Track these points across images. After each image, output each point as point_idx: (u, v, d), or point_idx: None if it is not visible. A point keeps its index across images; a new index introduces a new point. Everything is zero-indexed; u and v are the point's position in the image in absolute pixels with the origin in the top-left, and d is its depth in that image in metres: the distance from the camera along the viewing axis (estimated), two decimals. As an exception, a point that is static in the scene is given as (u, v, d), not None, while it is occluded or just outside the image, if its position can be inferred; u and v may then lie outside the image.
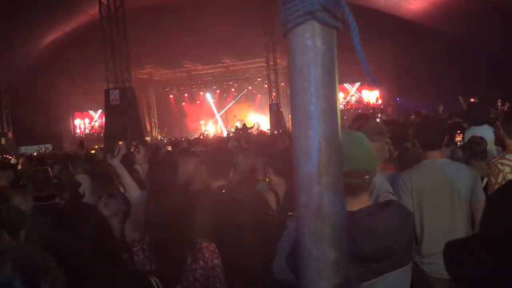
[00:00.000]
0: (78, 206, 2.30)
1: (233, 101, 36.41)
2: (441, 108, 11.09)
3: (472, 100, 8.83)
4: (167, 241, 2.58)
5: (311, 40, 0.84)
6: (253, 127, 23.24)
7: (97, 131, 34.23)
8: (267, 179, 3.92)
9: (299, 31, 0.85)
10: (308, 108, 0.84)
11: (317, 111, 0.83)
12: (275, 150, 5.16)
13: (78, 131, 35.75)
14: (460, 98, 9.03)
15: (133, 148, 6.56)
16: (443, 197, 3.36)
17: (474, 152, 4.25)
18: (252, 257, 3.00)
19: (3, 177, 5.86)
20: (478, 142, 4.30)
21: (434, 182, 3.38)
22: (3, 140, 26.72)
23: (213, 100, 36.51)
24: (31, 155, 14.96)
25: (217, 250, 2.72)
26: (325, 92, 0.84)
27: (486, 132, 5.19)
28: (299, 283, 0.88)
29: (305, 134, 0.84)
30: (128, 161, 5.59)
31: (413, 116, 13.99)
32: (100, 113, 32.35)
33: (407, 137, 5.74)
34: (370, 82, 1.07)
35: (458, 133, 5.32)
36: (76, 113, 35.68)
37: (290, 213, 2.17)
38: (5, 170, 6.51)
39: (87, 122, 36.07)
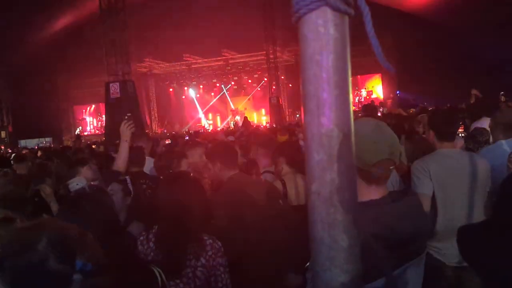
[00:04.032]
0: (87, 195, 2.30)
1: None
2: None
3: (473, 92, 8.75)
4: (172, 234, 2.55)
5: (323, 26, 0.83)
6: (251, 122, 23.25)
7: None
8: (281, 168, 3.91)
9: (311, 18, 0.84)
10: (320, 95, 0.83)
11: (330, 98, 0.83)
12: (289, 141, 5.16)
13: (88, 129, 35.44)
14: (474, 91, 8.86)
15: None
16: (458, 185, 3.39)
17: (478, 142, 4.29)
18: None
19: (22, 168, 6.29)
20: (482, 132, 4.35)
21: (450, 170, 3.41)
22: (3, 134, 26.71)
23: (198, 96, 36.43)
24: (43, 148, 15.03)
25: (222, 249, 2.63)
26: (337, 79, 0.83)
27: None
28: (312, 271, 0.88)
29: (318, 122, 0.84)
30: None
31: (412, 110, 14.00)
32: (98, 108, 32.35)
33: (402, 130, 5.75)
34: (386, 68, 1.07)
35: (460, 124, 5.34)
36: (76, 107, 35.57)
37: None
38: (23, 161, 6.82)
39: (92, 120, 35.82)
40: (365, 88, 32.23)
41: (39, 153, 11.24)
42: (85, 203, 1.93)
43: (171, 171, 3.90)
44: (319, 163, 0.84)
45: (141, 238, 2.63)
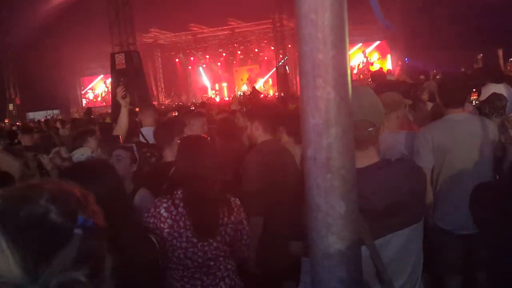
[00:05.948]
0: (94, 162, 2.30)
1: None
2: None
3: (479, 57, 8.66)
4: (203, 196, 2.60)
5: (318, -18, 0.78)
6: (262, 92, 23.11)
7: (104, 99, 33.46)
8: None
9: (306, -27, 0.79)
10: (316, 56, 0.79)
11: (326, 59, 0.79)
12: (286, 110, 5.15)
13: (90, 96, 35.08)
14: (480, 56, 8.79)
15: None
16: (464, 149, 3.36)
17: (495, 107, 4.25)
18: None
19: (28, 138, 6.63)
20: (500, 98, 4.32)
21: (456, 135, 3.37)
22: (10, 106, 26.81)
23: (219, 64, 36.09)
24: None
25: (241, 205, 2.81)
26: (334, 39, 0.79)
27: (503, 90, 5.15)
28: (308, 238, 0.85)
29: (313, 84, 0.80)
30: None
31: (422, 76, 13.78)
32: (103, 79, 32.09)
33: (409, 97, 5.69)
34: (384, 25, 1.03)
35: (474, 91, 5.26)
36: (82, 78, 35.38)
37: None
38: (29, 132, 7.08)
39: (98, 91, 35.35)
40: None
41: (57, 124, 11.55)
42: (98, 168, 1.94)
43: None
44: (314, 127, 0.81)
45: (165, 205, 2.62)
